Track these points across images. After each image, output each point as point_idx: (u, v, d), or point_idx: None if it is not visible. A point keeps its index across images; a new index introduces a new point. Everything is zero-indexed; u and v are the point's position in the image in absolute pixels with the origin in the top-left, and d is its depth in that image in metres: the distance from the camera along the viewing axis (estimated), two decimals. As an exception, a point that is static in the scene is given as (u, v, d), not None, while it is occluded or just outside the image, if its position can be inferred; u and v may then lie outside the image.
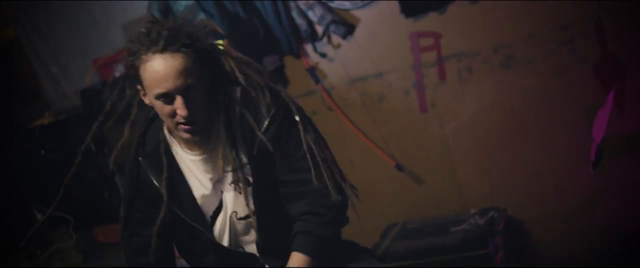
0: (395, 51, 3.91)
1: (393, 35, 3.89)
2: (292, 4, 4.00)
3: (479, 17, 3.71)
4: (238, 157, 2.23)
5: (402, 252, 3.61)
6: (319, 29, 4.00)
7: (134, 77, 2.18)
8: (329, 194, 2.23)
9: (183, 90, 2.10)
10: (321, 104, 4.12)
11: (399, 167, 4.01)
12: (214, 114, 2.24)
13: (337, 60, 4.03)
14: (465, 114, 3.87)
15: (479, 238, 3.53)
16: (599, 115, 3.66)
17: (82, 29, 4.65)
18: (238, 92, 2.26)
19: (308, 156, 2.24)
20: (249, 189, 2.26)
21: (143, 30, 2.13)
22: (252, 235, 2.33)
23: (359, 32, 3.95)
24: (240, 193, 2.26)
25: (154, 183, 2.29)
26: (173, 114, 2.14)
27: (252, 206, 2.27)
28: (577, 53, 3.61)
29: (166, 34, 2.09)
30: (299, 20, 3.99)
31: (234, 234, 2.34)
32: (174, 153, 2.31)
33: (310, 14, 3.98)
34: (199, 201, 2.31)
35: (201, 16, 4.27)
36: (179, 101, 2.10)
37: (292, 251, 2.19)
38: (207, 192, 2.30)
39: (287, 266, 2.17)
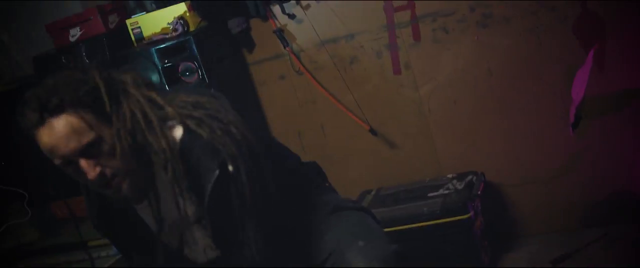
0: (367, 11, 3.75)
1: (365, -5, 3.73)
2: (258, -37, 3.81)
3: (455, -26, 3.58)
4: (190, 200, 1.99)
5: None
6: (287, -11, 3.82)
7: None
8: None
9: (83, 152, 1.85)
10: (289, 67, 3.96)
11: (373, 132, 3.86)
12: (144, 158, 1.95)
13: (306, 22, 3.85)
14: (441, 76, 3.74)
15: (457, 203, 3.40)
16: (578, 75, 3.54)
17: (33, -7, 4.41)
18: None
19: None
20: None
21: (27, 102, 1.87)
22: None
23: (329, -9, 3.78)
24: (206, 228, 2.07)
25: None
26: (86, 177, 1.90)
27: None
28: (556, 11, 3.50)
29: (39, 100, 1.84)
30: (266, -20, 3.81)
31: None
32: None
33: (278, -27, 3.80)
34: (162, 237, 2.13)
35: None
36: (83, 165, 1.85)
37: None
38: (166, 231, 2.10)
39: None
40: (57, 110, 1.83)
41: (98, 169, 1.87)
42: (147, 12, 4.02)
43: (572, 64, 3.53)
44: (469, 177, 3.61)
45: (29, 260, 3.54)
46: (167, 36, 3.85)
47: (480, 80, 3.67)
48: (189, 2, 3.90)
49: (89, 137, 1.85)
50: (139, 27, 3.98)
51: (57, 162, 1.88)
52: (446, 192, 3.53)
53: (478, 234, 3.44)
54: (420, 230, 3.42)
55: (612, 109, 3.53)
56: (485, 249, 3.50)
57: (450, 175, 3.70)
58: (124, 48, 4.04)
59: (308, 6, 3.83)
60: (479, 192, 3.53)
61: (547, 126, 3.63)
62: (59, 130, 1.83)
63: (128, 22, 3.99)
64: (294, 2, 3.84)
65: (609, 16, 3.45)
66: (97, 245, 3.23)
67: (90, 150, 1.86)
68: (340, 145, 3.97)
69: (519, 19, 3.54)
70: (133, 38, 3.99)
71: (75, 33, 4.12)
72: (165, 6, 3.93)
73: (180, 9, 3.86)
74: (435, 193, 3.55)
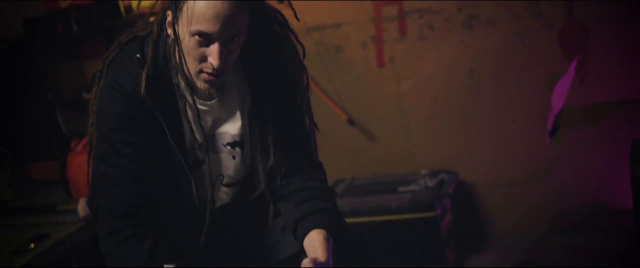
0: (355, 2, 3.76)
1: (355, -15, 3.74)
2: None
3: (445, -28, 3.58)
4: (250, 120, 2.05)
5: (346, 210, 3.48)
6: (279, -27, 3.82)
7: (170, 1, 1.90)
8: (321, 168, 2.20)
9: (225, 39, 1.87)
10: (275, 51, 3.97)
11: (351, 122, 3.88)
12: (237, 69, 2.04)
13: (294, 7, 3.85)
14: (423, 73, 3.75)
15: (426, 200, 3.42)
16: (560, 84, 3.57)
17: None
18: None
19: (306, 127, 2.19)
20: (242, 153, 2.09)
21: None
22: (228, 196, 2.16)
23: (319, -22, 3.79)
24: (234, 158, 2.08)
25: (148, 110, 1.98)
26: (202, 59, 1.89)
27: (241, 171, 2.11)
28: (542, 18, 3.51)
29: None
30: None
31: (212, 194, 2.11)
32: (177, 91, 2.03)
33: (271, -44, 3.80)
34: (187, 146, 2.07)
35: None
36: (215, 49, 1.86)
37: (314, 228, 1.95)
38: (196, 143, 2.05)
39: (312, 244, 1.94)
40: None
41: (222, 60, 1.87)
42: (139, -17, 4.04)
43: (554, 71, 3.56)
44: (441, 175, 3.63)
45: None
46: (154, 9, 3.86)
47: (461, 80, 3.69)
48: None
49: (238, 32, 1.88)
50: (130, -2, 4.00)
51: (198, 28, 1.84)
52: (416, 188, 3.55)
53: (444, 232, 3.46)
54: (388, 224, 3.44)
55: (589, 121, 3.54)
56: (451, 247, 3.52)
57: (423, 172, 3.72)
58: (113, 18, 4.06)
59: (299, -9, 3.84)
60: (450, 191, 3.55)
61: (524, 131, 3.65)
62: (231, 8, 1.83)
63: (119, -8, 4.01)
64: (285, -14, 3.84)
65: (594, 27, 3.46)
66: (64, 210, 3.25)
67: (228, 42, 1.88)
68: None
69: (504, 22, 3.55)
70: (122, 9, 4.00)
71: (66, -1, 4.13)
72: (157, -21, 3.95)
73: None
74: (406, 189, 3.57)
